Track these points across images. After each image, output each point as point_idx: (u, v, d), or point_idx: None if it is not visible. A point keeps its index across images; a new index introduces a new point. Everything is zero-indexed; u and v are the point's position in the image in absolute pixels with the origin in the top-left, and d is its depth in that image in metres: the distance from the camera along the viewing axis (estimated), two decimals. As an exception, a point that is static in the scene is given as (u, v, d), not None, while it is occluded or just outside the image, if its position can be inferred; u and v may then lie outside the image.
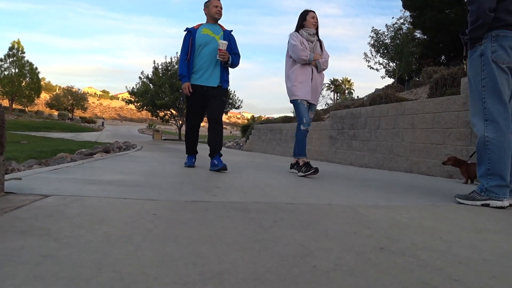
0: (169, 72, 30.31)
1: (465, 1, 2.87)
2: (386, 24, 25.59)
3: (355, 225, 1.67)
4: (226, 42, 4.25)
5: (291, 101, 4.57)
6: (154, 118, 35.84)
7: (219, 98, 4.44)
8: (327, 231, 1.50)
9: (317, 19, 4.62)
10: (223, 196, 2.30)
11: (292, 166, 4.55)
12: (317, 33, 4.64)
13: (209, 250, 1.16)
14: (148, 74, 31.59)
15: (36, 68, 56.01)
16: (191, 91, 4.32)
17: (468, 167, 4.87)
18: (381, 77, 26.35)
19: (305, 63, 4.43)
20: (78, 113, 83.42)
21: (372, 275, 1.01)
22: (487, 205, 2.61)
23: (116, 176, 3.11)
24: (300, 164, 4.26)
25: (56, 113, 73.93)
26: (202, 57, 4.36)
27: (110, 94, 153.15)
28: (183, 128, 34.04)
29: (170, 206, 1.90)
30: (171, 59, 31.31)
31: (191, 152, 4.70)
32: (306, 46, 4.46)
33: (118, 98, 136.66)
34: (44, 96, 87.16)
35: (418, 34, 25.02)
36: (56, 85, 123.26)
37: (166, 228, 1.41)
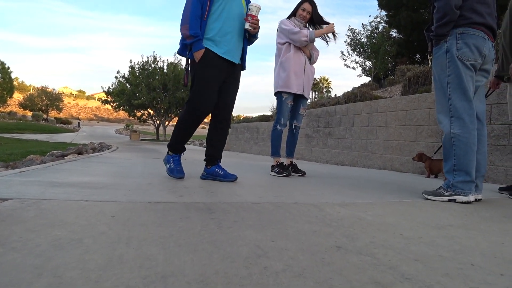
0: (146, 72, 30.02)
1: None
2: (363, 23, 25.96)
3: (317, 223, 1.65)
4: (259, 6, 3.22)
5: (277, 93, 4.25)
6: (131, 118, 35.41)
7: (237, 84, 3.43)
8: (287, 231, 1.48)
9: (309, 12, 4.23)
10: (189, 197, 2.26)
11: (272, 168, 4.25)
12: (309, 27, 4.34)
13: (159, 252, 1.13)
14: (124, 74, 31.22)
15: (9, 68, 54.39)
16: (212, 62, 3.11)
17: (432, 163, 5.07)
18: (358, 75, 26.86)
19: (299, 53, 4.17)
20: (53, 113, 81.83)
21: (323, 275, 1.00)
22: (454, 201, 2.65)
23: (83, 178, 3.04)
24: (274, 164, 4.24)
25: (30, 114, 72.33)
26: (228, 20, 3.16)
27: (86, 94, 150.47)
28: (161, 128, 33.83)
29: (131, 207, 1.85)
30: (147, 58, 31.05)
31: (182, 148, 3.35)
32: None
33: (94, 98, 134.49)
34: (17, 96, 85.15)
35: (393, 33, 25.40)
36: (30, 85, 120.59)
37: (120, 230, 1.37)
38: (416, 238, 1.50)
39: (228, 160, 7.06)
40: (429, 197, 2.78)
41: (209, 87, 3.12)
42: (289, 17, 4.31)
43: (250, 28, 3.20)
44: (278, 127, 4.25)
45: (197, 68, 3.10)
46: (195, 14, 3.00)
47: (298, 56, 4.18)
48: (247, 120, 17.89)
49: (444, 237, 1.56)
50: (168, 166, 3.29)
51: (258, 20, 3.22)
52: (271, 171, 4.20)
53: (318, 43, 4.43)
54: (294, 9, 4.33)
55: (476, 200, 2.74)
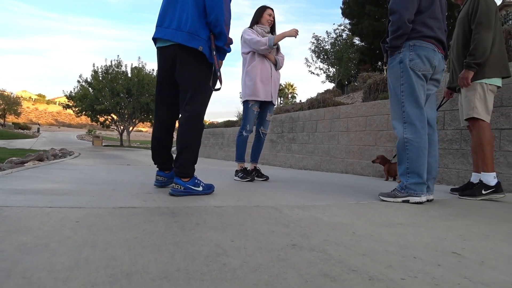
0: (109, 76, 29.48)
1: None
2: (327, 31, 26.55)
3: (275, 224, 1.75)
4: None
5: (244, 101, 4.34)
6: (94, 123, 34.64)
7: None
8: (246, 231, 1.56)
9: (274, 17, 4.40)
10: (153, 202, 2.30)
11: (236, 173, 4.34)
12: (273, 32, 4.43)
13: (125, 253, 1.19)
14: (87, 78, 30.55)
15: (-38, 71, 51.98)
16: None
17: (390, 166, 5.36)
18: (322, 82, 27.43)
19: (264, 60, 4.26)
20: (10, 118, 78.69)
21: (277, 270, 1.09)
22: (407, 201, 2.82)
23: (46, 185, 3.01)
24: (238, 169, 4.32)
25: (-15, 119, 69.34)
26: None
27: (47, 98, 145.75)
28: (125, 133, 33.27)
29: (96, 213, 1.88)
30: (111, 62, 30.56)
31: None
32: None
33: (55, 103, 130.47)
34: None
35: (356, 41, 26.09)
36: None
37: (86, 235, 1.41)
38: (367, 236, 1.62)
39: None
40: (384, 198, 2.94)
41: None
42: (251, 26, 4.38)
43: None
44: (244, 134, 4.32)
45: (214, 75, 2.83)
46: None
47: (264, 63, 4.28)
48: (213, 125, 17.92)
49: (393, 234, 1.69)
50: (198, 190, 2.76)
51: None
52: (235, 176, 4.29)
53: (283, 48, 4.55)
54: (256, 17, 4.39)
55: (428, 201, 2.92)
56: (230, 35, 2.87)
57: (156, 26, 2.86)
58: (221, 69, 2.93)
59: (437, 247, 1.50)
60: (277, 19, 4.48)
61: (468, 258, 1.36)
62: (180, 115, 2.83)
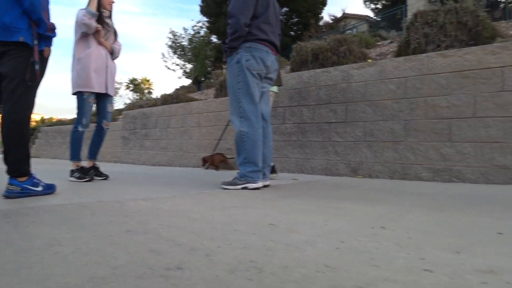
0: None
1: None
2: (184, 27, 26.58)
3: (115, 216, 1.84)
4: None
5: (76, 93, 3.91)
6: None
7: None
8: (84, 224, 1.63)
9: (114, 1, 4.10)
10: (-16, 205, 2.17)
11: (72, 173, 3.94)
12: (111, 17, 4.15)
13: None
14: None
15: None
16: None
17: (212, 158, 6.21)
18: (178, 77, 27.52)
19: (99, 48, 3.94)
20: None
21: (108, 252, 1.20)
22: (246, 188, 3.14)
23: None
24: (74, 169, 3.93)
25: None
26: None
27: None
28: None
29: None
30: None
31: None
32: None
33: None
34: None
35: (214, 39, 26.69)
36: None
37: None
38: (200, 218, 1.83)
39: (36, 167, 6.55)
40: (226, 186, 3.22)
41: None
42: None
43: None
44: (80, 129, 3.95)
45: (45, 65, 2.73)
46: None
47: (99, 51, 3.97)
48: (60, 122, 16.60)
49: (223, 216, 1.93)
50: (37, 190, 2.60)
51: None
52: (70, 176, 3.93)
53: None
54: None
55: (264, 186, 3.29)
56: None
57: None
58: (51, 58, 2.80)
59: (258, 222, 1.77)
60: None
61: (280, 227, 1.65)
62: (2, 108, 2.60)
